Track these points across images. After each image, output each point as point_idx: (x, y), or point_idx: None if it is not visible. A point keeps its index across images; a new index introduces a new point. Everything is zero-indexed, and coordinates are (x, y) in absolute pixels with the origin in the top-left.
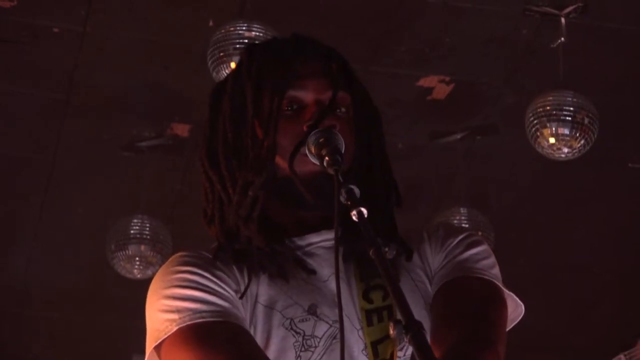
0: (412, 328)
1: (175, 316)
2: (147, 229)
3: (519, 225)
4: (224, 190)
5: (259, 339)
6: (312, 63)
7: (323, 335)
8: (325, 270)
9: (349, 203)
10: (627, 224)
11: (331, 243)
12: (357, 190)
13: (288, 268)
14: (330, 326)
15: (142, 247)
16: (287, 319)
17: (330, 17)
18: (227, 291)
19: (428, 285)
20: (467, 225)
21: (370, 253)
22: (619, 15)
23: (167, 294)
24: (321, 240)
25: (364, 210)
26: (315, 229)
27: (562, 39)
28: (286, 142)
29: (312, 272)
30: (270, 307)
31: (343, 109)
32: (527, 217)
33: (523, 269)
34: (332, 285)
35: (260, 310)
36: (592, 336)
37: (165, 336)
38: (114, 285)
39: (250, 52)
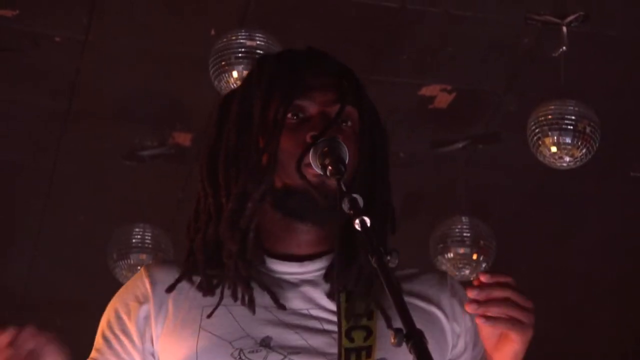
0: (413, 336)
1: (95, 355)
2: (149, 237)
3: (521, 233)
4: (215, 204)
5: None
6: (323, 77)
7: None
8: (298, 302)
9: (351, 212)
10: (628, 232)
11: (312, 276)
12: (360, 200)
13: (256, 296)
14: (284, 357)
15: (144, 256)
16: (236, 349)
17: (331, 25)
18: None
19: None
20: (468, 234)
21: (373, 261)
22: (620, 23)
23: (102, 321)
24: (303, 272)
25: (367, 220)
26: (300, 258)
27: (564, 47)
28: (287, 152)
29: (282, 306)
30: (219, 337)
31: (349, 123)
32: (529, 225)
33: (524, 276)
34: (307, 319)
35: (206, 338)
36: (592, 342)
37: None
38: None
39: (263, 61)
